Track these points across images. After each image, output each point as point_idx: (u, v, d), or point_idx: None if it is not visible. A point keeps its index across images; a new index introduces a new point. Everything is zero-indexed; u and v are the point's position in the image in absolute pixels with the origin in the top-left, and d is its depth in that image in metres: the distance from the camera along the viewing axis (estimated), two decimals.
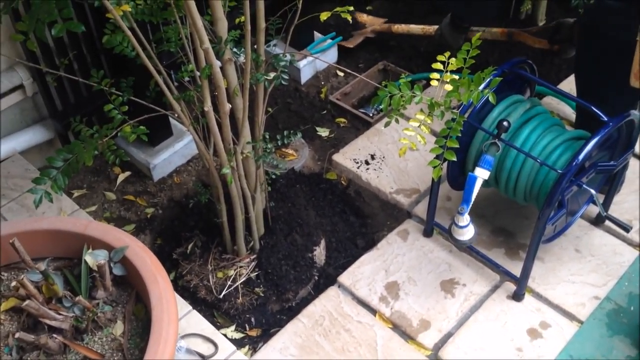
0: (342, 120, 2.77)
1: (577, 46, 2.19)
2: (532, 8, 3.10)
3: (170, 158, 2.52)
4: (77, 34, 2.22)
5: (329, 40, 2.96)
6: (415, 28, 3.04)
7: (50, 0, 1.32)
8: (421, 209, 2.35)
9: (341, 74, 2.96)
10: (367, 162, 2.56)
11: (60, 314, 1.49)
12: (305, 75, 2.91)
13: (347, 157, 2.58)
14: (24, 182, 2.34)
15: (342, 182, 2.55)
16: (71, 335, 1.53)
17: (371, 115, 2.75)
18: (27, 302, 1.44)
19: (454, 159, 1.52)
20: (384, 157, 2.57)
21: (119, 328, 1.54)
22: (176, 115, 1.75)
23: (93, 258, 1.55)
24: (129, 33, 1.52)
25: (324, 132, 2.71)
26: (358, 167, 2.54)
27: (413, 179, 2.48)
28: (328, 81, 2.94)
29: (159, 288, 1.48)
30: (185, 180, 2.53)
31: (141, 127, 1.61)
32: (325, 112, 2.80)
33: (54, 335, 1.49)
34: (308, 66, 2.90)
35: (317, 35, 2.98)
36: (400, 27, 3.06)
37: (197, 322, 2.01)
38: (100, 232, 1.61)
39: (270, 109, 2.72)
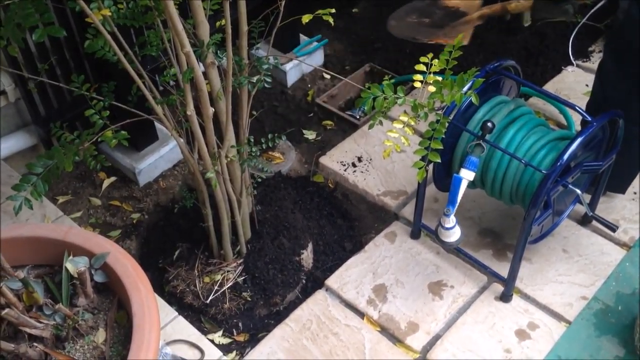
0: (329, 122, 2.76)
1: (606, 57, 2.14)
2: None
3: (156, 163, 2.50)
4: (59, 38, 2.20)
5: (315, 43, 2.95)
6: None
7: (26, 3, 1.30)
8: (408, 211, 2.34)
9: (328, 76, 2.95)
10: (354, 165, 2.55)
11: (40, 322, 1.47)
12: (291, 78, 2.90)
13: (334, 160, 2.57)
14: (6, 188, 2.31)
15: (329, 184, 2.54)
16: (52, 343, 1.50)
17: (358, 117, 2.74)
18: (6, 310, 1.42)
19: (438, 160, 1.52)
20: (370, 159, 2.56)
21: (100, 335, 1.52)
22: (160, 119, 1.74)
23: (73, 265, 1.53)
24: (108, 37, 1.51)
25: (310, 135, 2.70)
26: (345, 170, 2.53)
27: (400, 181, 2.47)
28: (315, 84, 2.93)
29: (141, 295, 1.46)
30: (171, 184, 2.52)
31: (122, 132, 1.59)
32: (312, 114, 2.79)
33: (35, 344, 1.47)
34: (294, 69, 2.89)
35: (304, 37, 2.97)
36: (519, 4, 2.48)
37: (183, 328, 1.99)
38: (81, 238, 1.59)
39: (255, 112, 2.70)
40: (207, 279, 2.12)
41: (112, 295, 1.60)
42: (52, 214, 2.30)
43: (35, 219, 2.25)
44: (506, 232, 2.29)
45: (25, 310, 1.49)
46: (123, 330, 1.54)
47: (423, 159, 1.54)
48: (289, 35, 2.86)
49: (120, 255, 1.56)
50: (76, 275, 1.53)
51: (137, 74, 1.63)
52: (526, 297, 2.11)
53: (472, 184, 1.98)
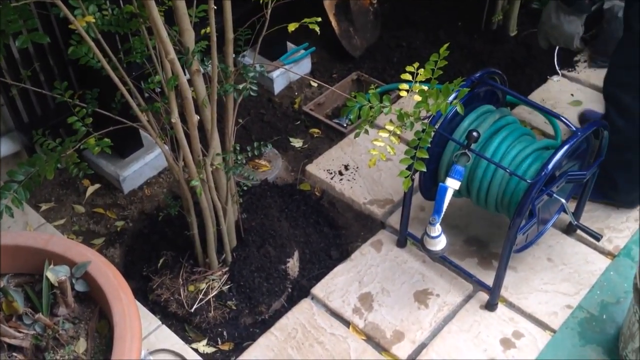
0: (316, 130, 2.76)
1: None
2: (504, 19, 3.13)
3: (141, 170, 2.48)
4: (43, 45, 2.18)
5: (302, 51, 2.95)
6: None
7: (9, 10, 1.28)
8: (395, 220, 2.34)
9: (315, 84, 2.95)
10: (340, 173, 2.54)
11: (20, 332, 1.45)
12: (278, 86, 2.90)
13: (320, 168, 2.57)
14: None
15: (316, 192, 2.53)
16: (32, 353, 1.48)
17: (345, 125, 2.74)
18: None
19: (424, 169, 1.52)
20: (357, 167, 2.56)
21: (81, 346, 1.50)
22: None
23: (54, 274, 1.51)
24: (92, 44, 1.50)
25: (297, 143, 2.70)
26: (332, 178, 2.53)
27: (387, 189, 2.47)
28: (302, 91, 2.93)
29: (122, 304, 1.44)
30: (156, 192, 2.50)
31: (105, 139, 1.58)
32: (298, 122, 2.79)
33: (14, 354, 1.45)
34: (281, 77, 2.88)
35: (291, 45, 2.97)
36: None
37: (166, 337, 1.97)
38: (62, 247, 1.57)
39: (241, 120, 2.70)
40: (191, 288, 2.11)
41: (93, 304, 1.58)
42: (35, 222, 2.27)
43: (17, 226, 2.22)
44: (491, 240, 2.29)
45: (4, 319, 1.47)
46: (104, 340, 1.52)
47: (409, 168, 1.54)
48: (277, 43, 2.86)
49: (101, 264, 1.54)
50: (57, 285, 1.51)
51: (121, 80, 1.62)
52: (511, 306, 2.11)
53: (457, 193, 1.98)
